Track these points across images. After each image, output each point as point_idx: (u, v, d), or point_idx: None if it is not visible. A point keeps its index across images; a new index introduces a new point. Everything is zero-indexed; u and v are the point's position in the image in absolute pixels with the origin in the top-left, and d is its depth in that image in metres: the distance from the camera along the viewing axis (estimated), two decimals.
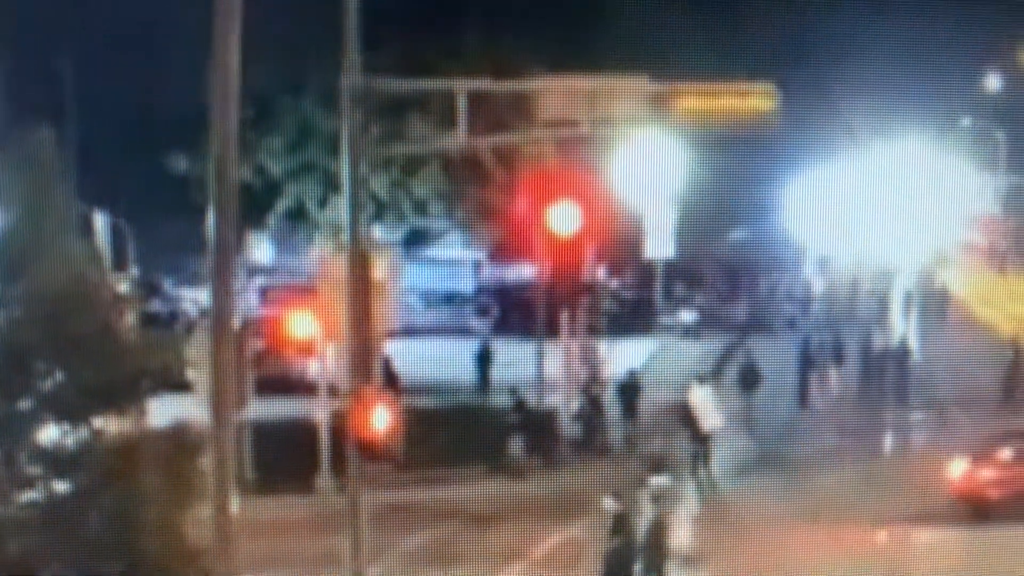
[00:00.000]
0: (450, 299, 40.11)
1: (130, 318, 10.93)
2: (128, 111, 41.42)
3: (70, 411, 9.91)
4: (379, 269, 16.47)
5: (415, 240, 40.80)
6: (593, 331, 32.81)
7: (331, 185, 37.08)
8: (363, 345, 15.92)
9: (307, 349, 23.86)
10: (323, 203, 38.41)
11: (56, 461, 10.08)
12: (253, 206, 35.09)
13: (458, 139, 15.42)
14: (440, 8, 37.05)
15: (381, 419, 15.05)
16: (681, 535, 20.81)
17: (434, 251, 41.93)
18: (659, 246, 39.79)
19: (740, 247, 52.53)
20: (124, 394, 10.17)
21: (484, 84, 15.73)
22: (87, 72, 41.12)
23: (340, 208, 35.22)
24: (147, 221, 39.34)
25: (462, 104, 14.97)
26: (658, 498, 17.74)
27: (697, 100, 15.04)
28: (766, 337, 38.28)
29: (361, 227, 17.56)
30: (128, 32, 40.82)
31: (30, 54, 38.89)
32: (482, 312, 39.98)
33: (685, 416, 24.08)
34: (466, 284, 41.25)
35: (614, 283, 41.80)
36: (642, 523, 17.14)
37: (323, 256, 24.40)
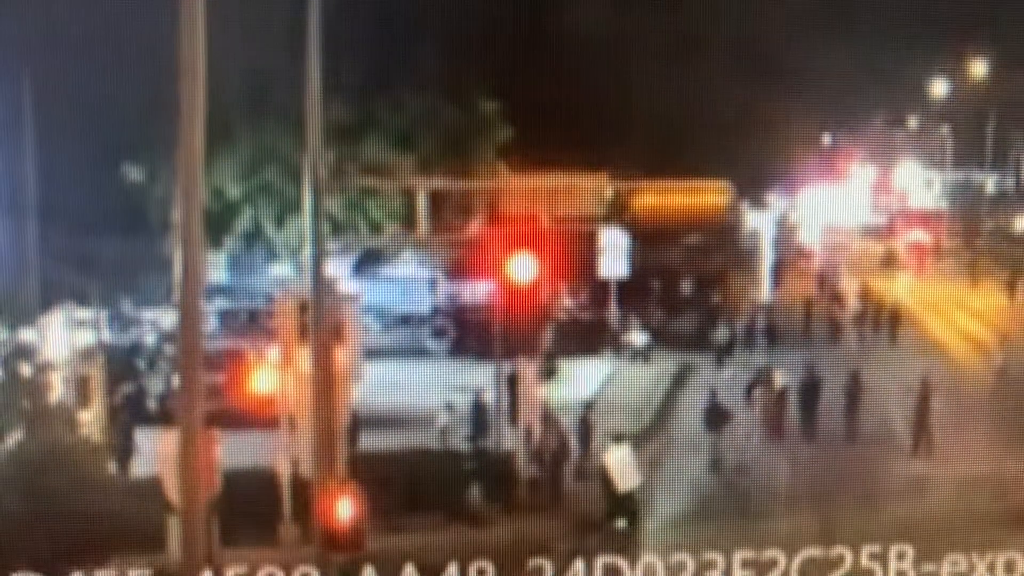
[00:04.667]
0: (406, 320, 40.28)
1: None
2: (84, 123, 41.24)
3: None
4: (341, 355, 16.82)
5: (370, 259, 41.14)
6: (550, 358, 33.31)
7: (288, 206, 37.47)
8: (327, 429, 16.32)
9: (268, 403, 23.85)
10: (280, 223, 38.76)
11: None
12: (210, 227, 35.35)
13: (420, 233, 15.81)
14: (400, 37, 37.37)
15: (346, 511, 15.43)
16: None
17: (389, 269, 42.18)
18: (613, 265, 40.22)
19: (694, 252, 52.78)
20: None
21: (446, 184, 16.14)
22: (43, 86, 40.90)
23: (296, 229, 35.78)
24: (102, 236, 39.25)
25: (423, 201, 15.37)
26: None
27: (654, 198, 15.52)
28: (716, 357, 38.74)
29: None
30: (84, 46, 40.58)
31: None
32: (438, 333, 40.20)
33: (602, 476, 24.58)
34: (422, 304, 41.39)
35: (569, 303, 42.24)
36: None
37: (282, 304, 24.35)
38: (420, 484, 24.98)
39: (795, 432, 31.42)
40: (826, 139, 79.47)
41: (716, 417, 29.41)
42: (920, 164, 77.96)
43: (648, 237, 42.75)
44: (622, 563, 21.05)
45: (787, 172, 65.69)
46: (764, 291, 49.50)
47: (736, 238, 53.81)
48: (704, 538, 23.73)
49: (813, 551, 18.55)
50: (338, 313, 19.11)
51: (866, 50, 61.46)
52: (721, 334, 40.26)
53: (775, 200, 62.90)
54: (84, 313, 32.73)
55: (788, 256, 57.43)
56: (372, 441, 27.47)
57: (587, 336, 40.42)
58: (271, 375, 23.33)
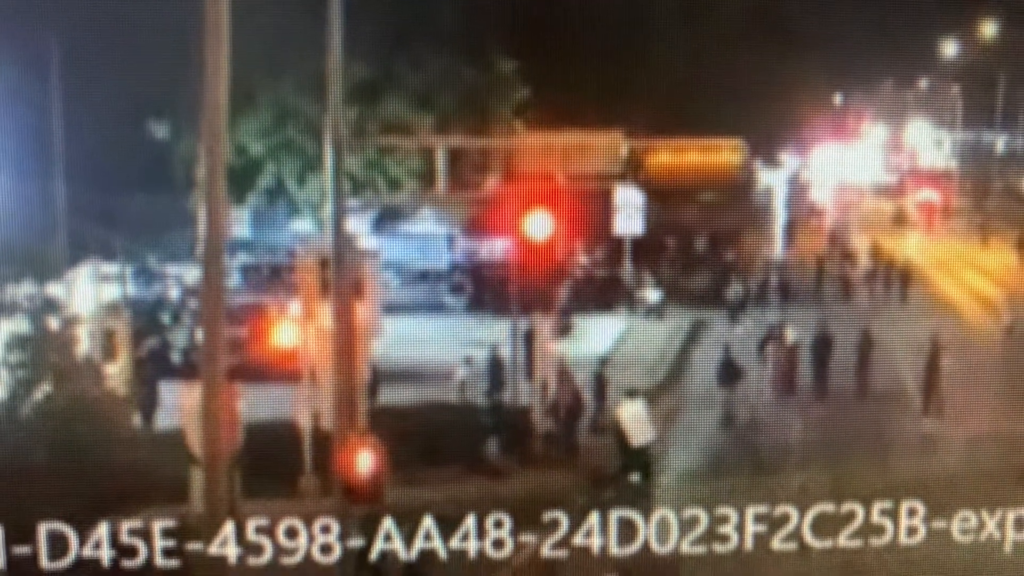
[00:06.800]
0: (424, 276, 40.19)
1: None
2: (110, 81, 41.04)
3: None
4: (361, 310, 16.73)
5: (389, 216, 41.06)
6: (565, 315, 33.24)
7: (309, 163, 37.42)
8: (348, 383, 16.23)
9: (289, 357, 23.83)
10: (302, 180, 38.70)
11: None
12: (233, 183, 35.30)
13: (438, 191, 15.67)
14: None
15: (365, 463, 15.39)
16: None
17: (408, 226, 42.03)
18: (628, 222, 40.06)
19: (707, 210, 52.48)
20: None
21: (464, 142, 15.99)
22: (70, 45, 40.72)
23: (318, 185, 35.76)
24: (128, 193, 39.17)
25: (441, 159, 15.22)
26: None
27: (669, 156, 15.32)
28: (730, 314, 38.59)
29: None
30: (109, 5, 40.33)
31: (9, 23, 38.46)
32: (456, 289, 40.12)
33: (615, 431, 24.52)
34: (440, 260, 41.27)
35: (584, 260, 42.06)
36: None
37: (303, 260, 24.30)
38: (438, 437, 25.00)
39: (807, 388, 31.30)
40: (838, 99, 78.93)
41: (729, 373, 29.33)
42: (930, 124, 77.42)
43: (663, 195, 42.52)
44: (636, 516, 21.06)
45: (799, 131, 65.27)
46: (777, 248, 49.23)
47: (749, 196, 53.51)
48: (717, 493, 23.68)
49: (825, 507, 18.51)
50: (358, 269, 19.07)
51: (877, 11, 60.91)
52: (734, 291, 40.01)
53: (788, 158, 62.55)
54: (110, 268, 32.73)
55: (800, 214, 57.10)
56: (391, 395, 27.48)
57: (602, 293, 40.30)
58: (293, 330, 23.31)
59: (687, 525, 20.72)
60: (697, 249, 47.26)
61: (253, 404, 23.19)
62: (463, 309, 39.25)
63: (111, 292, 31.45)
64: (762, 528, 18.82)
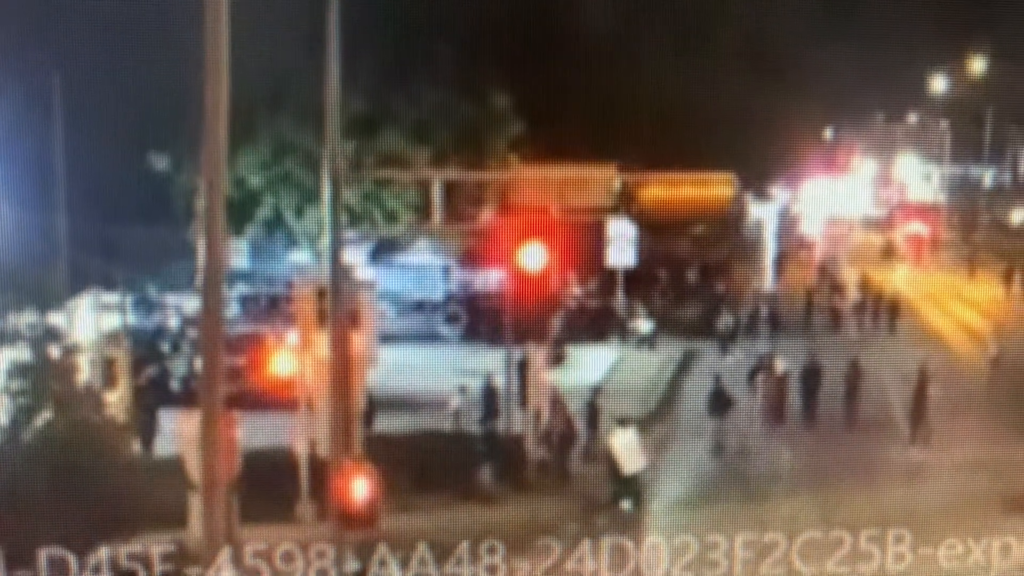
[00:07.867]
0: (420, 306, 40.38)
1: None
2: (112, 114, 41.19)
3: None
4: (358, 339, 16.81)
5: (386, 247, 41.23)
6: (558, 344, 33.31)
7: (307, 196, 37.53)
8: (344, 411, 16.30)
9: (287, 386, 23.88)
10: (300, 212, 38.81)
11: None
12: (233, 215, 35.45)
13: (434, 223, 15.81)
14: (416, 33, 37.38)
15: (361, 490, 15.43)
16: None
17: (404, 257, 42.25)
18: (621, 254, 40.25)
19: (699, 242, 52.77)
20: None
21: (460, 175, 16.13)
22: (72, 78, 40.88)
23: (315, 217, 35.87)
24: (129, 224, 39.27)
25: (437, 191, 15.36)
26: None
27: (661, 189, 15.50)
28: (720, 344, 38.69)
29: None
30: (111, 40, 40.52)
31: (12, 58, 38.63)
32: (451, 319, 40.29)
33: (608, 459, 24.58)
34: (436, 291, 41.51)
35: (578, 291, 42.26)
36: None
37: (301, 290, 24.43)
38: (433, 465, 24.98)
39: (796, 418, 31.37)
40: (828, 133, 79.31)
41: (719, 402, 29.37)
42: (919, 158, 77.88)
43: (655, 227, 42.78)
44: (627, 543, 21.02)
45: (790, 165, 65.58)
46: (767, 280, 49.44)
47: (740, 229, 53.81)
48: (707, 520, 23.70)
49: (813, 533, 18.52)
50: (355, 299, 19.17)
51: (867, 47, 61.33)
52: (725, 322, 40.15)
53: (778, 192, 62.83)
54: (110, 298, 32.74)
55: (790, 247, 57.38)
56: (387, 423, 27.54)
57: (595, 323, 40.49)
58: (290, 358, 23.35)
59: (677, 551, 20.75)
60: (689, 281, 47.47)
61: (251, 432, 23.26)
62: (458, 339, 39.44)
63: (111, 321, 31.47)
64: (751, 554, 18.83)
